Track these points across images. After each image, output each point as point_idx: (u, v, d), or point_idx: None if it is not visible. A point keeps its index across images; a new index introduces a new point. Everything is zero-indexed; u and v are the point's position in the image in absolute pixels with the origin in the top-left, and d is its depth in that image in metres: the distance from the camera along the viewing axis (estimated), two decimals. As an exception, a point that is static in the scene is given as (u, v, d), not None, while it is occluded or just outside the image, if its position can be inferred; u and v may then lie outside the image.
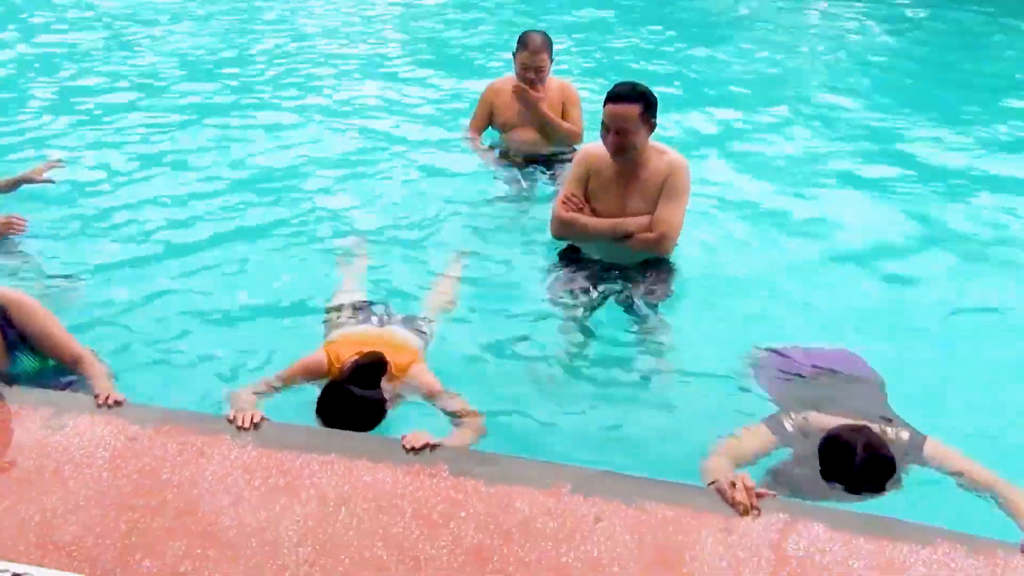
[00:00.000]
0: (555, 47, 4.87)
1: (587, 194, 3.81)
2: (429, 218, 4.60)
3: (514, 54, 4.89)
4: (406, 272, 4.04)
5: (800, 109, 6.52)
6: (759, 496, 2.39)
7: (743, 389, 3.21)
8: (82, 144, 5.38)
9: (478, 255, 4.21)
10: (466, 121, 5.35)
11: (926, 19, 9.73)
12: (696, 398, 3.22)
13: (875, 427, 2.62)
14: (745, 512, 2.34)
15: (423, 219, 4.59)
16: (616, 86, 3.60)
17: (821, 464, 2.57)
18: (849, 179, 5.29)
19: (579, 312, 3.66)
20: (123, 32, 8.04)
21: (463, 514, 2.29)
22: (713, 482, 2.45)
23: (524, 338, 3.57)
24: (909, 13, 9.90)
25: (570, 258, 3.94)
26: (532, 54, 4.80)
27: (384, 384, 2.83)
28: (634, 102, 3.54)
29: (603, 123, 3.59)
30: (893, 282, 4.12)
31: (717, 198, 4.82)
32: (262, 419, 2.61)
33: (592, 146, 3.88)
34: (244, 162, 5.26)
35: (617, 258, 3.82)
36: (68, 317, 3.12)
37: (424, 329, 3.44)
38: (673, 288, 3.77)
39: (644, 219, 3.71)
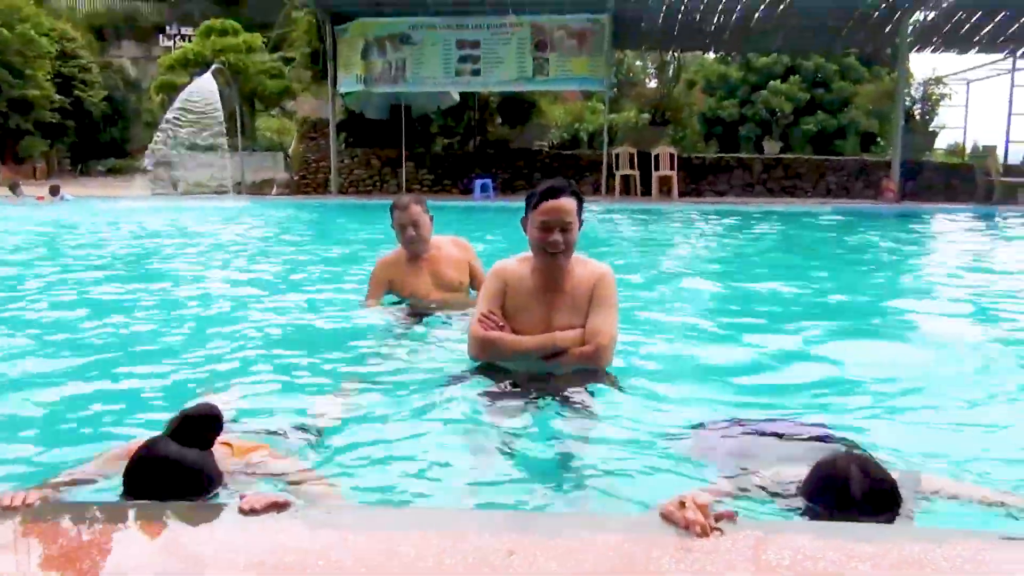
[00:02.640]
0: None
1: (504, 312, 3.39)
2: (320, 356, 4.02)
3: (392, 227, 4.60)
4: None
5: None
6: (718, 519, 1.82)
7: (690, 463, 2.66)
8: None
9: (375, 381, 3.59)
10: (360, 299, 4.91)
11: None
12: (635, 475, 2.62)
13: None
14: (704, 533, 1.76)
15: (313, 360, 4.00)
16: (544, 184, 3.31)
17: (812, 501, 2.09)
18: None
19: (505, 411, 3.08)
20: None
21: (321, 563, 1.62)
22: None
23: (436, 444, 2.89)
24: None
25: (487, 372, 3.41)
26: (402, 210, 4.55)
27: (223, 463, 2.17)
28: (571, 195, 3.27)
29: (541, 224, 3.23)
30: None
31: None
32: (40, 499, 1.89)
33: (504, 262, 3.52)
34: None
35: (544, 370, 3.34)
36: None
37: (290, 437, 2.78)
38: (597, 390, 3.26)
39: (576, 332, 3.31)
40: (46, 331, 4.60)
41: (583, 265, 3.40)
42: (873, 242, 10.97)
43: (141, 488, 1.95)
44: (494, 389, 3.25)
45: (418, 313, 4.59)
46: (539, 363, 3.35)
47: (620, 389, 3.32)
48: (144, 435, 2.24)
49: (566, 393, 3.19)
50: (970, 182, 17.91)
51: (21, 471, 2.55)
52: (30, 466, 2.61)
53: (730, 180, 19.08)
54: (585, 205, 3.37)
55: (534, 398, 3.18)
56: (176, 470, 1.97)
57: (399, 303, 4.78)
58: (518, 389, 3.25)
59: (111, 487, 2.17)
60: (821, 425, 2.81)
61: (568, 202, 3.25)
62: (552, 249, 3.26)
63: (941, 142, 22.83)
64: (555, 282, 3.35)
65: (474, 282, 4.67)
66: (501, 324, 3.37)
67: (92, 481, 2.23)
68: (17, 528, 1.76)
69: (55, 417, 3.13)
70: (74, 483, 2.21)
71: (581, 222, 3.32)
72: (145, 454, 2.00)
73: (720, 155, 20.51)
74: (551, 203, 3.24)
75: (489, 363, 3.44)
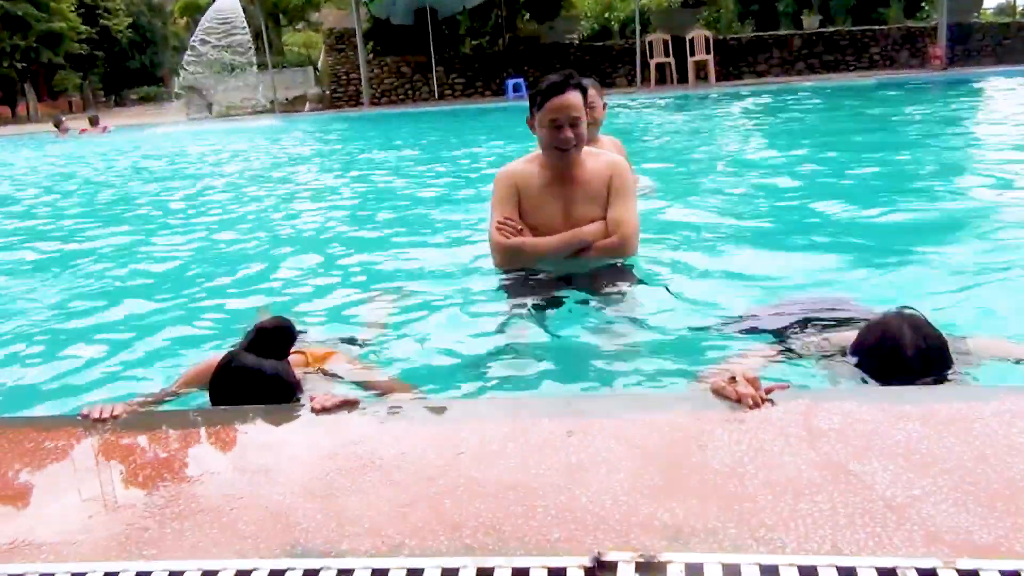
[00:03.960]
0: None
1: (520, 214, 3.37)
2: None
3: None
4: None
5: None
6: (768, 391, 1.88)
7: (736, 339, 2.71)
8: None
9: (422, 288, 3.69)
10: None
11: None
12: (681, 356, 2.68)
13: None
14: (755, 405, 1.82)
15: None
16: (547, 79, 3.25)
17: (863, 362, 2.12)
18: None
19: (539, 309, 3.14)
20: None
21: (393, 451, 1.72)
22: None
23: (479, 337, 2.98)
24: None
25: (517, 276, 3.44)
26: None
27: (299, 371, 2.29)
28: (577, 88, 3.21)
29: (551, 122, 3.19)
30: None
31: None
32: (125, 411, 2.01)
33: (509, 165, 3.48)
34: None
35: (571, 268, 3.35)
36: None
37: (348, 340, 2.91)
38: (635, 281, 3.32)
39: (599, 225, 3.29)
40: (110, 260, 4.81)
41: (594, 157, 3.38)
42: (920, 113, 10.67)
43: (226, 398, 2.07)
44: (529, 293, 3.27)
45: None
46: (565, 261, 3.35)
47: (654, 279, 3.35)
48: (217, 353, 2.37)
49: (601, 287, 3.23)
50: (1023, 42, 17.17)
51: (105, 394, 2.70)
52: (112, 386, 2.77)
53: (769, 60, 18.54)
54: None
55: (569, 296, 3.23)
56: (257, 378, 2.08)
57: None
58: (552, 290, 3.27)
59: (193, 403, 2.31)
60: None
61: (574, 95, 3.20)
62: (564, 146, 3.23)
63: (990, 1, 21.80)
64: (568, 174, 3.32)
65: None
66: (520, 228, 3.35)
67: (173, 398, 2.37)
68: (104, 437, 1.89)
69: (131, 338, 3.29)
70: (157, 401, 2.35)
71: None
72: (226, 364, 2.12)
73: (757, 34, 19.86)
74: (557, 100, 3.19)
75: (517, 269, 3.44)
